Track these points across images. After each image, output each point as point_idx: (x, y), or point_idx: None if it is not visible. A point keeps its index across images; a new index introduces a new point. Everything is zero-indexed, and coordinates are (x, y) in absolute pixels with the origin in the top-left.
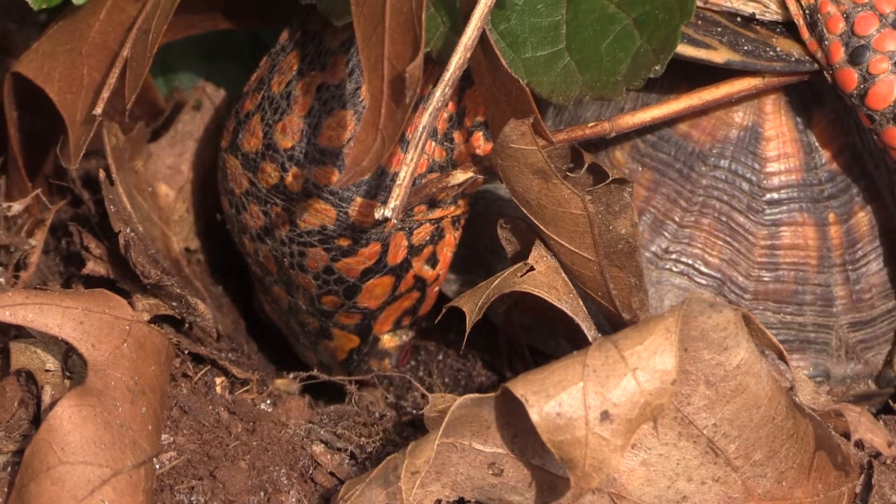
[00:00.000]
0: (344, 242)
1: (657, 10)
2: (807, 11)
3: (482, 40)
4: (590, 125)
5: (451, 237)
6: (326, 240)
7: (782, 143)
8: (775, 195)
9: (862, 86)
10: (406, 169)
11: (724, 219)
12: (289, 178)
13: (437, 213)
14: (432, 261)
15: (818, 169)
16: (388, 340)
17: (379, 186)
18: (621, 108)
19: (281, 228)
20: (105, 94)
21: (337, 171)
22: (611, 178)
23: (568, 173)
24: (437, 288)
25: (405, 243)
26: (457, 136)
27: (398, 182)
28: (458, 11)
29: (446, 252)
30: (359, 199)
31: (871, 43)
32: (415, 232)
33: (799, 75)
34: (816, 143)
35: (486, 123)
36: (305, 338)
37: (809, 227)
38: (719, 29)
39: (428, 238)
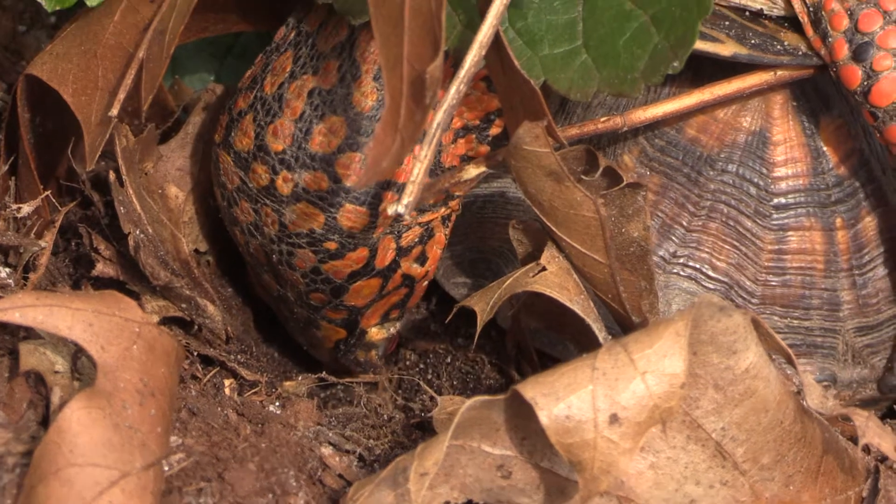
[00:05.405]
0: (331, 246)
1: (674, 6)
2: (811, 8)
3: (496, 40)
4: (602, 120)
5: (441, 235)
6: (314, 242)
7: (790, 148)
8: (783, 200)
9: (865, 83)
10: (419, 165)
11: (731, 223)
12: (279, 182)
13: (426, 217)
14: (421, 259)
15: (825, 174)
16: (376, 333)
17: (367, 192)
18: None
19: (270, 227)
20: (121, 96)
21: (327, 177)
22: (625, 182)
23: (582, 176)
24: (426, 282)
25: (393, 246)
26: (444, 137)
27: (412, 178)
28: (475, 9)
29: (436, 250)
30: (348, 206)
31: (875, 40)
32: (403, 235)
33: (806, 69)
34: (824, 148)
35: (479, 127)
36: (294, 324)
37: (816, 231)
38: (727, 23)
39: (417, 239)
